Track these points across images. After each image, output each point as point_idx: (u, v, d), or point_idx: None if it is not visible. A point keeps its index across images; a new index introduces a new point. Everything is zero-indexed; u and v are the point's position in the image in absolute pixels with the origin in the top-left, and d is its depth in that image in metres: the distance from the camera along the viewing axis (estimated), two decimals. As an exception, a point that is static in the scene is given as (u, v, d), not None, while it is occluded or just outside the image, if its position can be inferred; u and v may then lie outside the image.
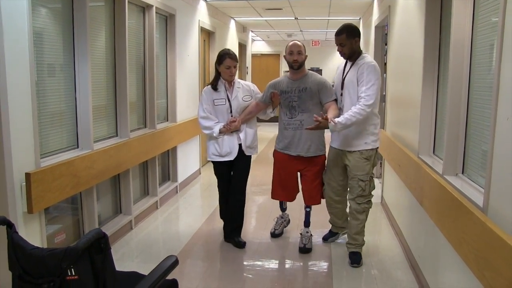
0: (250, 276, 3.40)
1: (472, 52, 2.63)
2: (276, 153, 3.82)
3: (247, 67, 11.10)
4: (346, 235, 3.77)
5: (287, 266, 3.62)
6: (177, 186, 5.66)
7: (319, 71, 12.25)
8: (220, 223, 4.19)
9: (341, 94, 3.51)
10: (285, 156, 3.71)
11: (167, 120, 5.52)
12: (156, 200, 4.97)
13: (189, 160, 6.21)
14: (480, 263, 1.96)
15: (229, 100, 3.75)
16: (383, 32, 6.09)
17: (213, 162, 3.89)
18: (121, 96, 4.12)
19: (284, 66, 13.37)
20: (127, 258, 3.70)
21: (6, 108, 2.54)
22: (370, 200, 3.55)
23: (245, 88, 3.86)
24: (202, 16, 6.64)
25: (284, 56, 3.65)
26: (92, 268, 1.55)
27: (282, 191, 3.82)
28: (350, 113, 3.25)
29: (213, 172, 3.96)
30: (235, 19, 9.05)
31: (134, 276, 2.05)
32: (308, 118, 3.48)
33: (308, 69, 3.73)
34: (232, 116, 3.75)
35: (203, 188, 6.12)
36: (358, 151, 3.45)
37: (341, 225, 3.88)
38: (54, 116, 3.24)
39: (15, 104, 2.61)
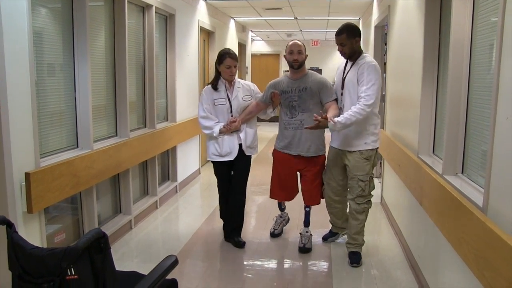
0: (250, 276, 3.41)
1: (472, 52, 2.63)
2: (275, 152, 3.82)
3: (247, 67, 11.10)
4: (346, 236, 3.77)
5: (286, 266, 3.62)
6: (176, 185, 5.66)
7: (318, 71, 12.25)
8: (220, 223, 4.19)
9: (341, 94, 3.51)
10: (285, 155, 3.71)
11: (167, 120, 5.52)
12: (156, 200, 4.97)
13: (188, 160, 6.21)
14: (480, 262, 1.96)
15: (229, 100, 3.75)
16: (382, 32, 6.09)
17: (213, 162, 3.88)
18: (121, 96, 4.12)
19: (283, 66, 13.37)
20: (126, 257, 3.70)
21: (6, 108, 2.54)
22: (370, 200, 3.55)
23: (245, 88, 3.85)
24: (201, 16, 6.64)
25: (284, 56, 3.64)
26: (92, 267, 1.55)
27: (281, 191, 3.82)
28: (350, 112, 3.24)
29: (213, 172, 3.96)
30: (235, 19, 9.05)
31: (134, 276, 2.05)
32: (309, 118, 3.47)
33: (308, 69, 3.73)
34: (232, 116, 3.75)
35: (202, 188, 6.13)
36: (358, 151, 3.44)
37: (341, 225, 3.88)
38: (53, 116, 3.24)
39: (15, 104, 2.61)
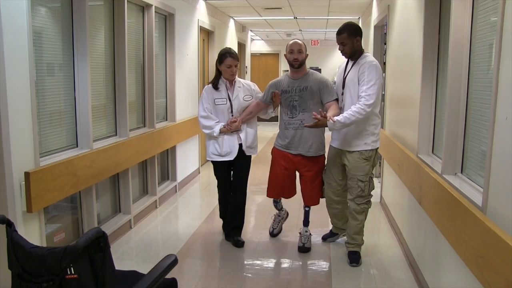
0: (250, 275, 3.41)
1: (471, 52, 2.63)
2: (275, 151, 3.80)
3: (246, 67, 11.11)
4: (345, 236, 3.77)
5: (286, 265, 3.62)
6: (176, 185, 5.66)
7: (318, 70, 12.21)
8: (219, 222, 4.20)
9: (342, 94, 3.50)
10: (285, 154, 3.70)
11: (166, 120, 5.52)
12: (155, 199, 4.97)
13: (188, 159, 6.21)
14: (479, 262, 1.96)
15: (230, 100, 3.74)
16: (382, 31, 6.09)
17: (212, 162, 3.88)
18: (121, 96, 4.12)
19: (283, 65, 13.37)
20: (126, 257, 3.70)
21: (6, 108, 2.54)
22: (370, 201, 3.54)
23: (246, 88, 3.84)
24: (201, 16, 6.64)
25: (285, 55, 3.63)
26: (92, 267, 1.55)
27: (278, 189, 3.79)
28: (350, 112, 3.23)
29: (213, 171, 3.96)
30: (235, 18, 9.05)
31: (134, 275, 2.05)
32: (309, 117, 3.43)
33: (308, 69, 3.71)
34: (232, 115, 3.74)
35: (202, 187, 6.13)
36: (358, 151, 3.43)
37: (341, 226, 3.86)
38: (53, 116, 3.24)
39: (14, 104, 2.61)
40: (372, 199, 3.58)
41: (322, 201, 3.82)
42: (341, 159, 3.56)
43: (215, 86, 3.76)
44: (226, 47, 3.88)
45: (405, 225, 3.83)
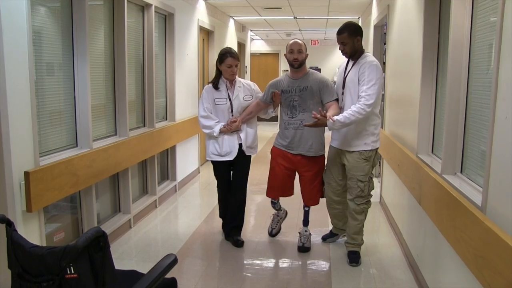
0: (249, 275, 3.41)
1: (471, 52, 2.63)
2: (275, 150, 3.78)
3: (246, 66, 11.11)
4: (345, 236, 3.77)
5: (285, 265, 3.62)
6: (176, 185, 5.66)
7: (318, 70, 12.22)
8: (219, 222, 4.20)
9: (342, 93, 3.49)
10: (285, 153, 3.69)
11: (166, 119, 5.52)
12: (155, 199, 4.97)
13: (188, 159, 6.21)
14: (479, 262, 1.96)
15: (230, 100, 3.74)
16: (382, 31, 6.09)
17: (212, 161, 3.88)
18: (120, 95, 4.12)
19: (283, 65, 13.37)
20: (126, 256, 3.70)
21: (5, 107, 2.54)
22: (369, 201, 3.54)
23: (246, 88, 3.84)
24: (201, 15, 6.64)
25: (285, 55, 3.61)
26: (91, 266, 1.55)
27: (278, 189, 3.78)
28: (350, 111, 3.23)
29: (213, 171, 3.95)
30: (234, 18, 9.05)
31: (133, 275, 2.05)
32: (309, 117, 3.41)
33: (308, 68, 3.70)
34: (232, 115, 3.74)
35: (202, 187, 6.13)
36: (358, 151, 3.43)
37: (341, 227, 3.85)
38: (53, 115, 3.24)
39: (14, 103, 2.61)
40: (371, 199, 3.58)
41: (322, 201, 3.82)
42: (341, 159, 3.55)
43: (215, 86, 3.76)
44: (227, 47, 3.88)
45: (405, 225, 3.83)
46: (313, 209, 3.87)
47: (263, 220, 4.53)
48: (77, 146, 3.49)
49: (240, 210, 3.94)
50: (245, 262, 3.65)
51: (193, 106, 6.22)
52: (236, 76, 3.79)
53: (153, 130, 4.78)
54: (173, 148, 5.59)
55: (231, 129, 3.69)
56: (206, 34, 7.34)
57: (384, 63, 5.45)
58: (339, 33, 3.44)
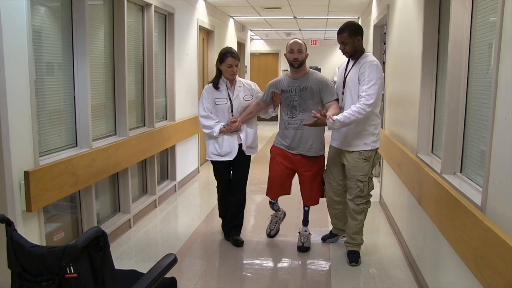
0: (249, 274, 3.41)
1: (471, 52, 2.63)
2: (274, 149, 3.77)
3: (246, 66, 11.11)
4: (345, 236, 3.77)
5: (285, 264, 3.62)
6: (175, 184, 5.66)
7: (317, 70, 12.23)
8: (219, 221, 4.20)
9: (343, 93, 3.48)
10: (285, 152, 3.67)
11: (166, 119, 5.52)
12: (155, 199, 4.97)
13: (187, 158, 6.21)
14: (478, 261, 1.97)
15: (230, 100, 3.74)
16: (382, 31, 6.09)
17: (212, 161, 3.88)
18: (120, 95, 4.12)
19: (283, 65, 13.37)
20: (125, 256, 3.70)
21: (5, 107, 2.54)
22: (369, 200, 3.54)
23: (247, 87, 3.83)
24: (201, 15, 6.64)
25: (285, 54, 3.60)
26: (91, 266, 1.55)
27: (278, 188, 3.75)
28: (350, 111, 3.22)
29: (212, 171, 3.95)
30: (234, 18, 9.05)
31: (133, 274, 2.05)
32: (309, 117, 3.39)
33: (309, 68, 3.70)
34: (233, 115, 3.74)
35: (201, 187, 6.13)
36: (357, 151, 3.42)
37: (342, 227, 3.85)
38: (53, 115, 3.24)
39: (14, 103, 2.61)
40: (371, 199, 3.58)
41: (322, 200, 3.82)
42: (340, 158, 3.55)
43: (216, 86, 3.76)
44: (227, 47, 3.87)
45: (405, 225, 3.83)
46: (313, 209, 3.87)
47: (262, 220, 4.52)
48: (77, 145, 3.49)
49: (239, 210, 3.94)
50: (244, 261, 3.65)
51: (192, 106, 6.22)
52: (237, 76, 3.78)
53: (153, 129, 4.78)
54: (172, 148, 5.59)
55: (230, 129, 3.69)
56: (206, 34, 7.34)
57: (384, 63, 5.45)
58: (340, 32, 3.43)
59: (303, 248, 3.78)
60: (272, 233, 4.08)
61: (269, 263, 3.65)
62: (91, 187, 3.61)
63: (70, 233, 3.55)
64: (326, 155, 3.73)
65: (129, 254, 3.75)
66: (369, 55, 3.43)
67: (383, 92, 5.21)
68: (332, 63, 12.84)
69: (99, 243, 1.55)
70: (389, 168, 4.45)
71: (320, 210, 4.07)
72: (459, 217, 2.23)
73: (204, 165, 6.91)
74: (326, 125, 3.27)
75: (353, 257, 3.53)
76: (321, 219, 4.36)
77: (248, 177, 3.96)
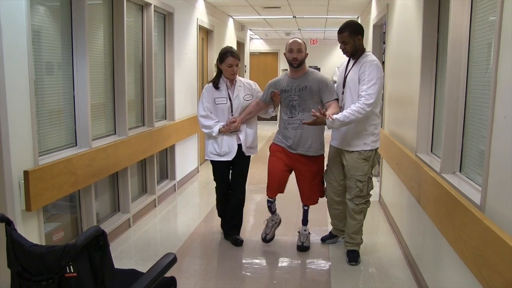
0: (248, 274, 3.41)
1: (470, 51, 2.64)
2: (274, 146, 3.74)
3: (246, 66, 11.11)
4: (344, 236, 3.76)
5: (285, 264, 3.62)
6: (175, 184, 5.66)
7: (317, 69, 12.22)
8: (218, 221, 4.20)
9: (343, 93, 3.48)
10: (284, 149, 3.66)
11: (165, 118, 5.52)
12: (154, 198, 4.97)
13: (187, 158, 6.21)
14: (478, 261, 1.97)
15: (230, 99, 3.73)
16: (381, 30, 6.09)
17: (211, 161, 3.87)
18: (120, 94, 4.12)
19: (282, 65, 13.37)
20: (125, 255, 3.70)
21: (5, 106, 2.55)
22: (368, 200, 3.53)
23: (247, 87, 3.82)
24: (200, 15, 6.64)
25: (284, 54, 3.60)
26: (91, 265, 1.55)
27: (276, 185, 3.70)
28: (349, 110, 3.21)
29: (212, 171, 3.94)
30: (234, 17, 9.05)
31: (133, 274, 2.05)
32: (309, 117, 3.38)
33: (308, 67, 3.68)
34: (232, 115, 3.73)
35: (201, 186, 6.13)
36: (357, 151, 3.42)
37: (342, 228, 3.83)
38: (52, 114, 3.24)
39: (13, 102, 2.61)
40: (371, 198, 3.58)
41: (321, 200, 3.82)
42: (340, 158, 3.55)
43: (216, 85, 3.75)
44: (227, 46, 3.86)
45: (404, 224, 3.84)
46: (312, 208, 3.87)
47: (262, 219, 4.51)
48: (76, 145, 3.49)
49: (239, 209, 3.94)
50: (244, 261, 3.66)
51: (192, 106, 6.23)
52: (237, 76, 3.78)
53: (152, 129, 4.78)
54: (172, 148, 5.59)
55: (230, 129, 3.68)
56: (206, 34, 7.34)
57: (383, 62, 5.45)
58: (340, 32, 3.42)
59: (303, 248, 3.78)
60: (267, 238, 3.97)
61: (268, 262, 3.65)
62: (91, 186, 3.62)
63: (69, 232, 3.55)
64: (326, 155, 3.73)
65: (128, 254, 3.75)
66: (370, 55, 3.43)
67: (382, 92, 5.22)
68: (332, 63, 12.84)
69: (98, 243, 1.55)
70: (389, 168, 4.45)
71: (320, 209, 4.08)
72: (459, 216, 2.23)
73: (203, 165, 6.91)
74: (325, 124, 3.26)
75: (353, 257, 3.54)
76: (321, 218, 4.36)
77: (248, 176, 3.95)
